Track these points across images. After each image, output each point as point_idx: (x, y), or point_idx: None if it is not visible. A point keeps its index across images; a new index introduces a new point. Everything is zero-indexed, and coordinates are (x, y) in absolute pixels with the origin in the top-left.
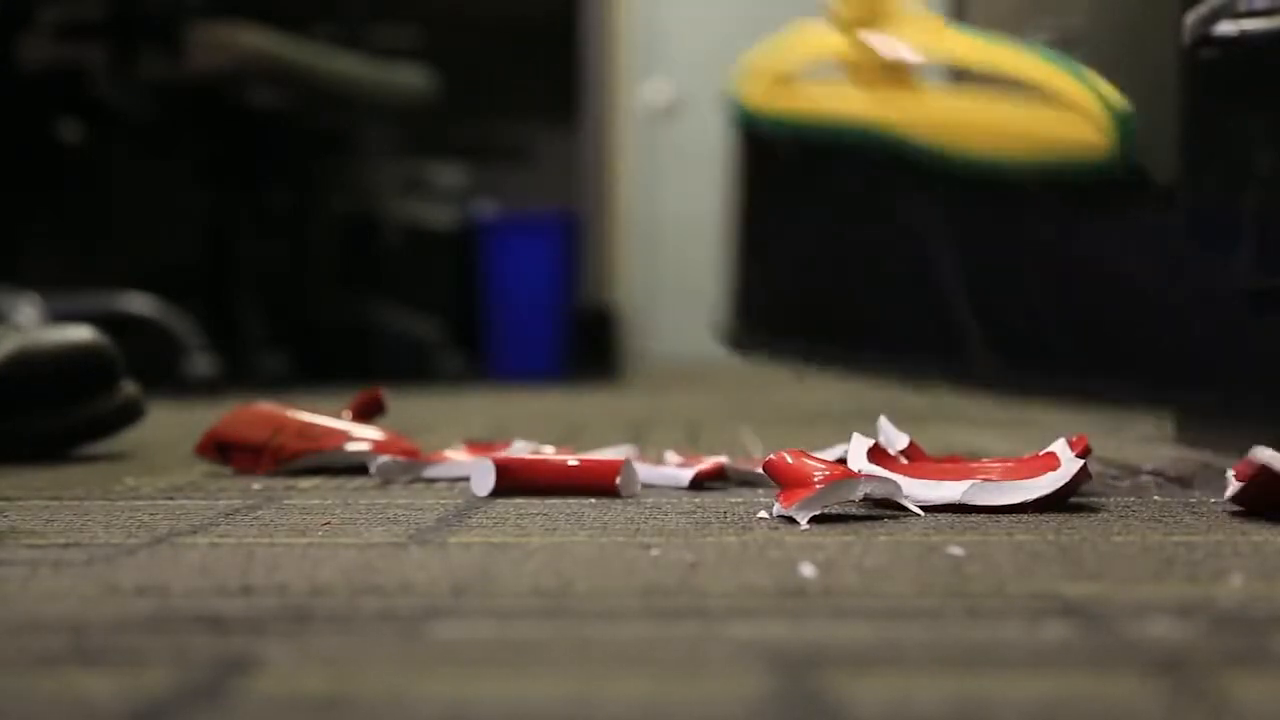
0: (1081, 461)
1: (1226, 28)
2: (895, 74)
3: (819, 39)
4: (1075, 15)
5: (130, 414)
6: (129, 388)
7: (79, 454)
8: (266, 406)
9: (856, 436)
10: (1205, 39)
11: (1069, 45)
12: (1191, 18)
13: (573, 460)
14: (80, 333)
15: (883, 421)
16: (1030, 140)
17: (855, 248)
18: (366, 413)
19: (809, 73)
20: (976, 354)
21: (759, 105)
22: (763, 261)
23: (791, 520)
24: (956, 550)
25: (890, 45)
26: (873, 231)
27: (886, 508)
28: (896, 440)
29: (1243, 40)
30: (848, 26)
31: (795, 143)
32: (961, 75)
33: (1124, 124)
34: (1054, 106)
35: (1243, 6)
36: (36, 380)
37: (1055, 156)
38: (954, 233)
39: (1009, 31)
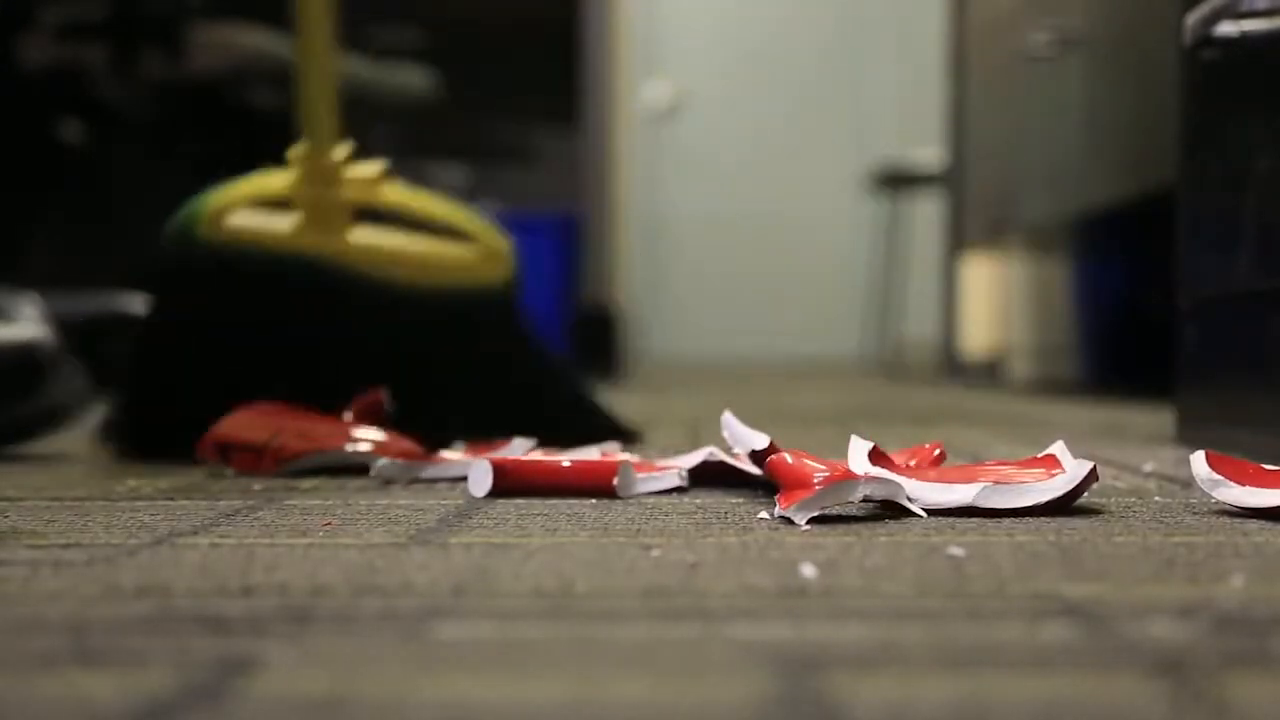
0: (1091, 464)
1: (1227, 28)
2: (339, 215)
3: (267, 182)
4: (1075, 15)
5: (52, 419)
6: (61, 391)
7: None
8: (267, 407)
9: (855, 439)
10: (1206, 40)
11: (1068, 46)
12: (1192, 19)
13: (567, 461)
14: (10, 331)
15: (728, 418)
16: (435, 267)
17: (250, 353)
18: (368, 415)
19: (262, 208)
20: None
21: (202, 234)
22: (168, 375)
23: (792, 521)
24: (957, 551)
25: (335, 192)
26: (295, 341)
27: (887, 508)
28: (752, 440)
29: (1243, 41)
30: (306, 173)
31: (232, 266)
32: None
33: (512, 259)
34: (464, 242)
35: (1243, 7)
36: None
37: (457, 281)
38: (336, 334)
39: (1009, 31)
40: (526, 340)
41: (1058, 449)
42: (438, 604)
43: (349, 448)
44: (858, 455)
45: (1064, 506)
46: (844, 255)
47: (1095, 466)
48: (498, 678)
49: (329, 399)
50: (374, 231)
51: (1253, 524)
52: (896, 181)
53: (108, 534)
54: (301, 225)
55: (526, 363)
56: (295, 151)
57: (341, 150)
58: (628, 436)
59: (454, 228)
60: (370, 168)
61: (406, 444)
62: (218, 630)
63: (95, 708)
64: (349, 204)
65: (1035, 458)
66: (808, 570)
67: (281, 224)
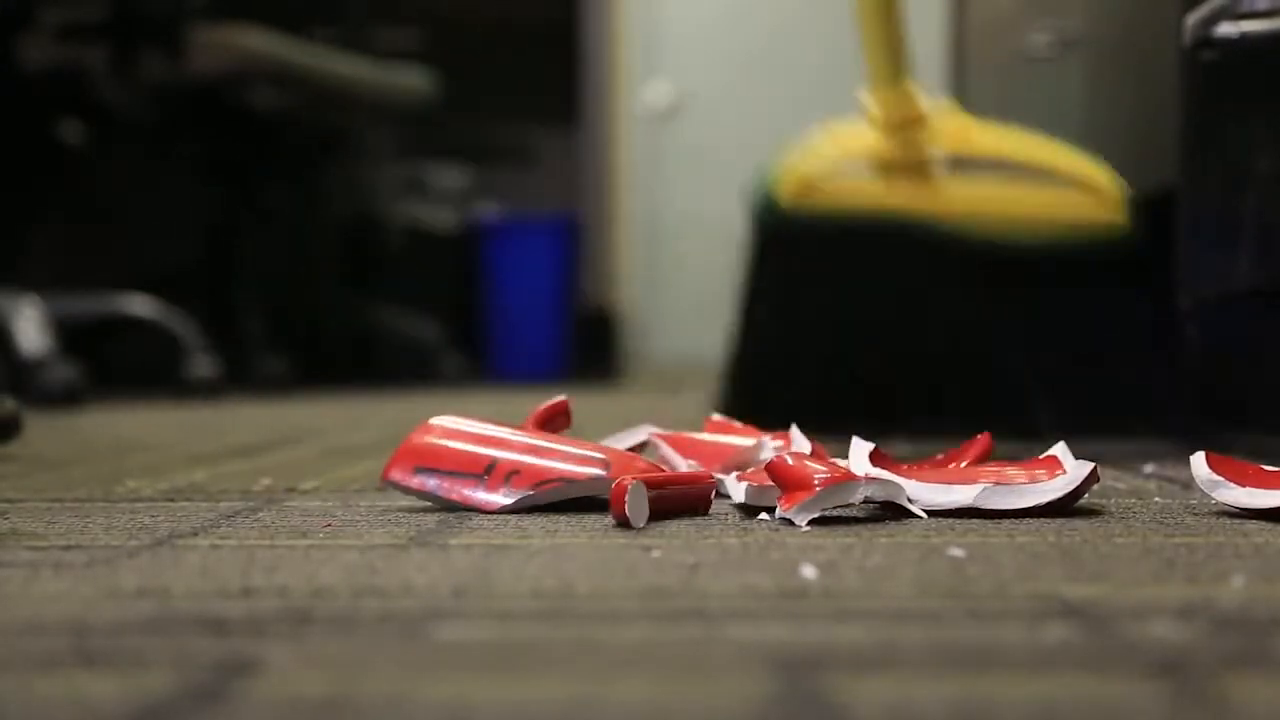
0: (1091, 465)
1: (1227, 29)
2: (923, 169)
3: (850, 139)
4: (1075, 16)
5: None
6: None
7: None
8: (457, 421)
9: (856, 440)
10: (1206, 41)
11: (1068, 47)
12: (1192, 20)
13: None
14: None
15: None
16: (1051, 221)
17: (888, 328)
18: (552, 427)
19: (840, 171)
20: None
21: (791, 204)
22: (785, 353)
23: (792, 522)
24: (957, 552)
25: (923, 144)
26: (903, 312)
27: (887, 510)
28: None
29: (1243, 42)
30: (883, 127)
31: (829, 237)
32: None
33: (1130, 203)
34: (1072, 190)
35: (1243, 8)
36: None
37: (1073, 235)
38: (980, 308)
39: (1009, 31)
40: (1155, 303)
41: (1059, 450)
42: (438, 605)
43: (592, 471)
44: (858, 456)
45: (1065, 508)
46: None
47: (1096, 467)
48: (498, 679)
49: (938, 374)
50: (968, 182)
51: (1253, 525)
52: None
53: (108, 535)
54: (897, 184)
55: (1153, 329)
56: (869, 100)
57: (918, 93)
58: None
59: (1056, 172)
60: (954, 112)
61: (642, 462)
62: (218, 631)
63: (95, 709)
64: (939, 156)
65: (1037, 459)
66: (808, 571)
67: (869, 184)
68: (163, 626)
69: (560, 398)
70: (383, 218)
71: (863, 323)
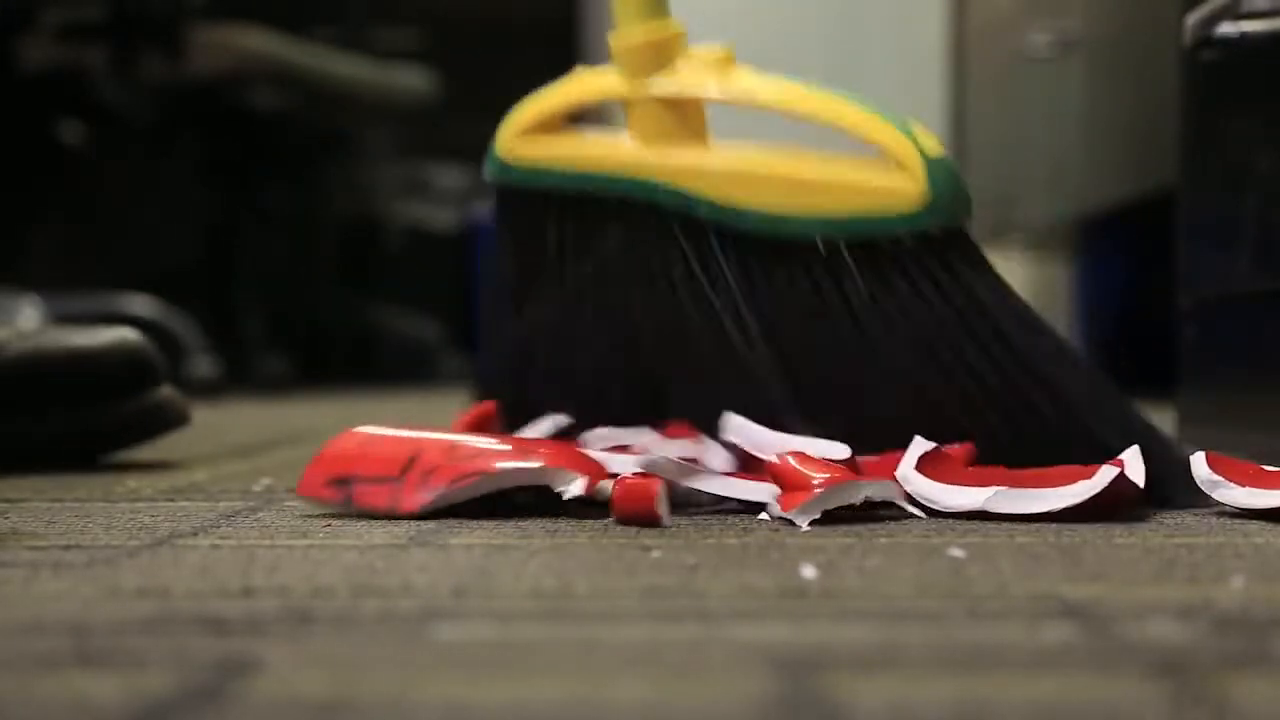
0: (1116, 470)
1: (1227, 29)
2: (679, 121)
3: (591, 82)
4: (1075, 17)
5: (160, 420)
6: (165, 393)
7: (108, 460)
8: (375, 429)
9: (918, 439)
10: (1206, 40)
11: (1068, 47)
12: (1192, 19)
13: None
14: (108, 334)
15: (737, 421)
16: (831, 194)
17: (609, 318)
18: (483, 432)
19: (582, 120)
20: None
21: (516, 155)
22: (517, 332)
23: (792, 522)
24: (958, 552)
25: (673, 86)
26: (634, 295)
27: (885, 509)
28: (770, 443)
29: (1243, 42)
30: (629, 66)
31: (551, 195)
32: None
33: (942, 172)
34: (860, 158)
35: (1243, 8)
36: (48, 382)
37: (858, 211)
38: (731, 294)
39: (1009, 31)
40: (975, 297)
41: (1128, 455)
42: (438, 605)
43: (522, 464)
44: (911, 457)
45: (1096, 514)
46: None
47: (1123, 472)
48: (498, 679)
49: (699, 381)
50: (736, 147)
51: (1253, 525)
52: None
53: (108, 535)
54: (640, 140)
55: (978, 332)
56: (613, 36)
57: (669, 26)
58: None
59: (846, 130)
60: (711, 50)
61: (578, 453)
62: (218, 631)
63: (95, 708)
64: (694, 104)
65: (1083, 465)
66: (808, 571)
67: (610, 142)
68: (163, 626)
69: (489, 402)
70: (383, 218)
71: (570, 302)
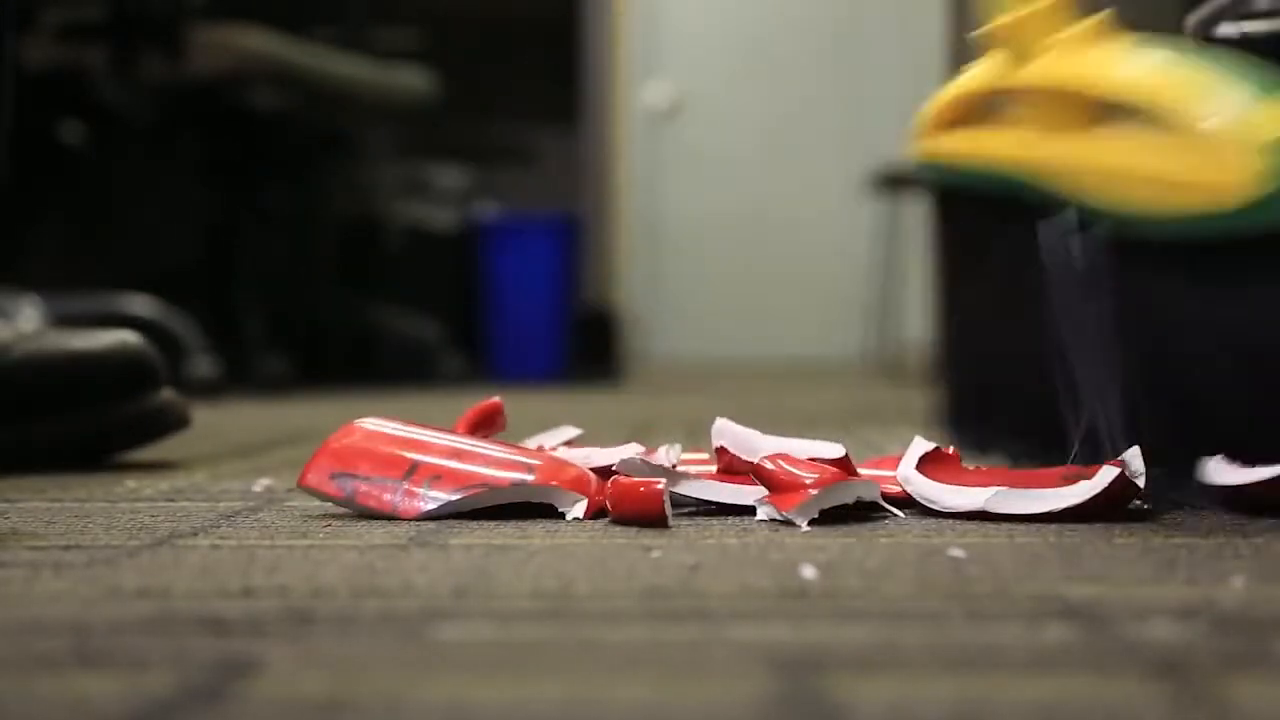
0: (1116, 470)
1: (1228, 29)
2: (1067, 108)
3: (980, 75)
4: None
5: (160, 423)
6: (165, 396)
7: (109, 460)
8: (379, 422)
9: (918, 439)
10: (1206, 41)
11: None
12: (1193, 19)
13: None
14: (109, 337)
15: (723, 424)
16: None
17: (1021, 324)
18: (485, 430)
19: (986, 113)
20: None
21: (934, 154)
22: (964, 334)
23: (790, 522)
24: (958, 552)
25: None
26: (1035, 301)
27: (875, 509)
28: (756, 445)
29: (1244, 42)
30: (1009, 53)
31: (965, 193)
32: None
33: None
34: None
35: (1244, 8)
36: (49, 385)
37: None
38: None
39: None
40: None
41: (1129, 455)
42: (438, 605)
43: (525, 477)
44: (912, 456)
45: (1096, 514)
46: (844, 257)
47: (1124, 472)
48: (498, 679)
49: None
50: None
51: (1253, 525)
52: (897, 183)
53: (108, 535)
54: (1027, 135)
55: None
56: (994, 26)
57: (1064, 10)
58: None
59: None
60: (1104, 28)
61: (572, 468)
62: (218, 632)
63: (95, 709)
64: (1081, 93)
65: (1079, 466)
66: (808, 571)
67: (1004, 134)
68: (163, 626)
69: (494, 399)
70: (383, 218)
71: (995, 310)
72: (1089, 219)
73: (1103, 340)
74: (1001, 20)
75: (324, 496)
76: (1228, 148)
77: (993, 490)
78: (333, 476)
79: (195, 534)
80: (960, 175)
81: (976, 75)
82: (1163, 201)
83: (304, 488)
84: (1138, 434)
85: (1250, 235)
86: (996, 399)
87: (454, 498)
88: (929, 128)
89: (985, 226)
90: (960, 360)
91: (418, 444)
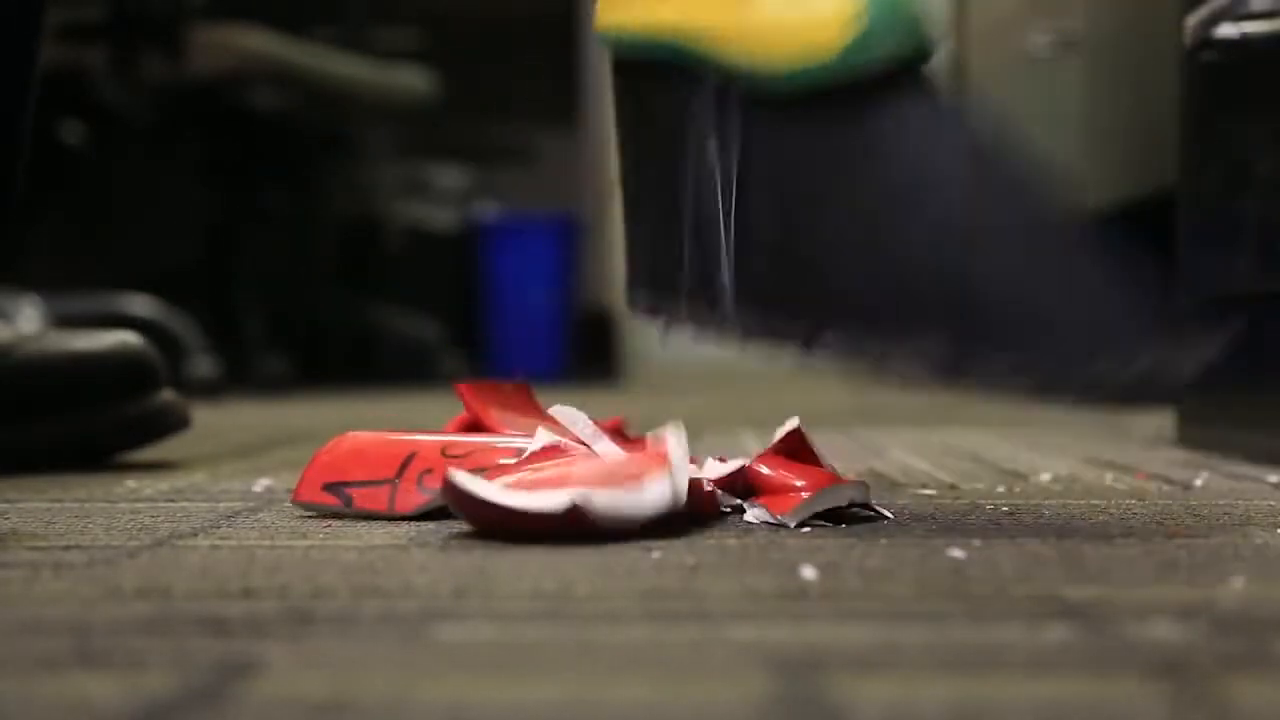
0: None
1: (1227, 30)
2: None
3: None
4: (1075, 17)
5: (161, 424)
6: (165, 397)
7: (109, 461)
8: (368, 434)
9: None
10: (1206, 41)
11: (1068, 48)
12: (1192, 20)
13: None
14: (109, 338)
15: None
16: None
17: (684, 186)
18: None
19: None
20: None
21: (611, 21)
22: (644, 212)
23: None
24: (957, 553)
25: None
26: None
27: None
28: (578, 421)
29: (1243, 43)
30: None
31: (632, 63)
32: None
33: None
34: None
35: (1243, 9)
36: (49, 386)
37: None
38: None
39: (1009, 31)
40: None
41: (672, 437)
42: (438, 606)
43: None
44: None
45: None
46: None
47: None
48: (498, 679)
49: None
50: None
51: (1253, 526)
52: None
53: (108, 536)
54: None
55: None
56: None
57: None
58: None
59: None
60: None
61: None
62: (218, 632)
63: (95, 710)
64: None
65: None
66: (808, 572)
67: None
68: (163, 627)
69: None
70: (383, 218)
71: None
72: (729, 80)
73: (728, 199)
74: None
75: (320, 508)
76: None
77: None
78: (326, 487)
79: (195, 534)
80: (632, 45)
81: None
82: (781, 55)
83: (299, 503)
84: (763, 301)
85: (846, 81)
86: (664, 265)
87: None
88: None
89: (652, 95)
90: (636, 231)
91: (406, 445)
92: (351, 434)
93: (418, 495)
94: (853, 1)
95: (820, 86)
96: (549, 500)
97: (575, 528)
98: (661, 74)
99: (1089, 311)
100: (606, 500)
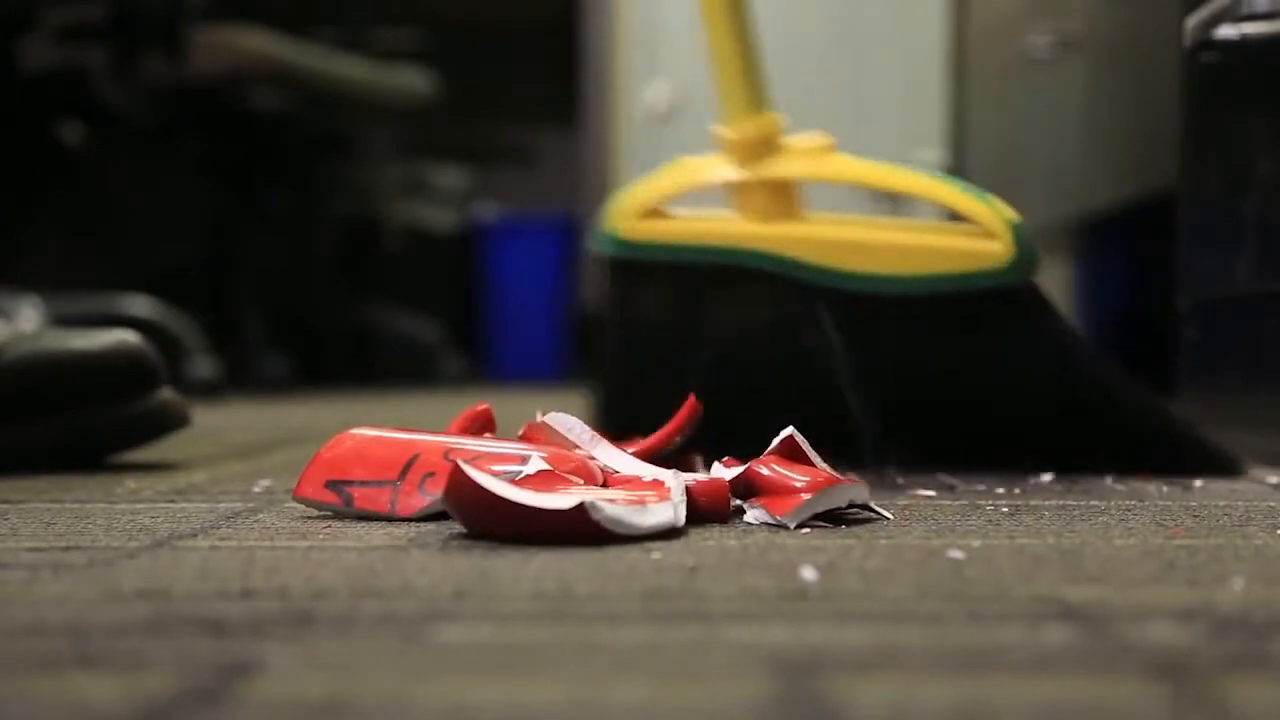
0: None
1: (1227, 31)
2: (782, 200)
3: (699, 168)
4: (1075, 18)
5: (160, 423)
6: (165, 395)
7: (109, 461)
8: (371, 430)
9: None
10: (1206, 42)
11: (1069, 48)
12: (1192, 22)
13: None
14: (108, 337)
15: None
16: (928, 256)
17: (748, 371)
18: (476, 434)
19: (689, 201)
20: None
21: (633, 234)
22: (643, 390)
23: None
24: (957, 554)
25: (785, 169)
26: (764, 353)
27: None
28: (576, 427)
29: (1243, 44)
30: (737, 154)
31: (667, 268)
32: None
33: (1021, 233)
34: (950, 226)
35: (1243, 10)
36: (48, 385)
37: (955, 270)
38: (850, 349)
39: (1009, 32)
40: (1055, 342)
41: (669, 475)
42: (438, 607)
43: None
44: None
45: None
46: None
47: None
48: (498, 680)
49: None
50: (837, 219)
51: (1253, 527)
52: None
53: (108, 536)
54: (748, 215)
55: (1057, 370)
56: (723, 129)
57: (775, 120)
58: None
59: (935, 201)
60: (813, 139)
61: (574, 458)
62: (218, 633)
63: (95, 710)
64: (793, 183)
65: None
66: (808, 573)
67: (719, 218)
68: (162, 628)
69: (482, 405)
70: (383, 218)
71: (706, 355)
72: (819, 281)
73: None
74: (742, 130)
75: (321, 505)
76: (995, 227)
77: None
78: (328, 485)
79: (195, 535)
80: (668, 251)
81: (702, 170)
82: (941, 265)
83: (300, 499)
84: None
85: (1006, 287)
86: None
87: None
88: (642, 212)
89: (697, 292)
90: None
91: (410, 444)
92: (354, 431)
93: (419, 499)
94: (1006, 230)
95: (987, 290)
96: (557, 500)
97: (580, 531)
98: (719, 278)
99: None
100: (613, 510)
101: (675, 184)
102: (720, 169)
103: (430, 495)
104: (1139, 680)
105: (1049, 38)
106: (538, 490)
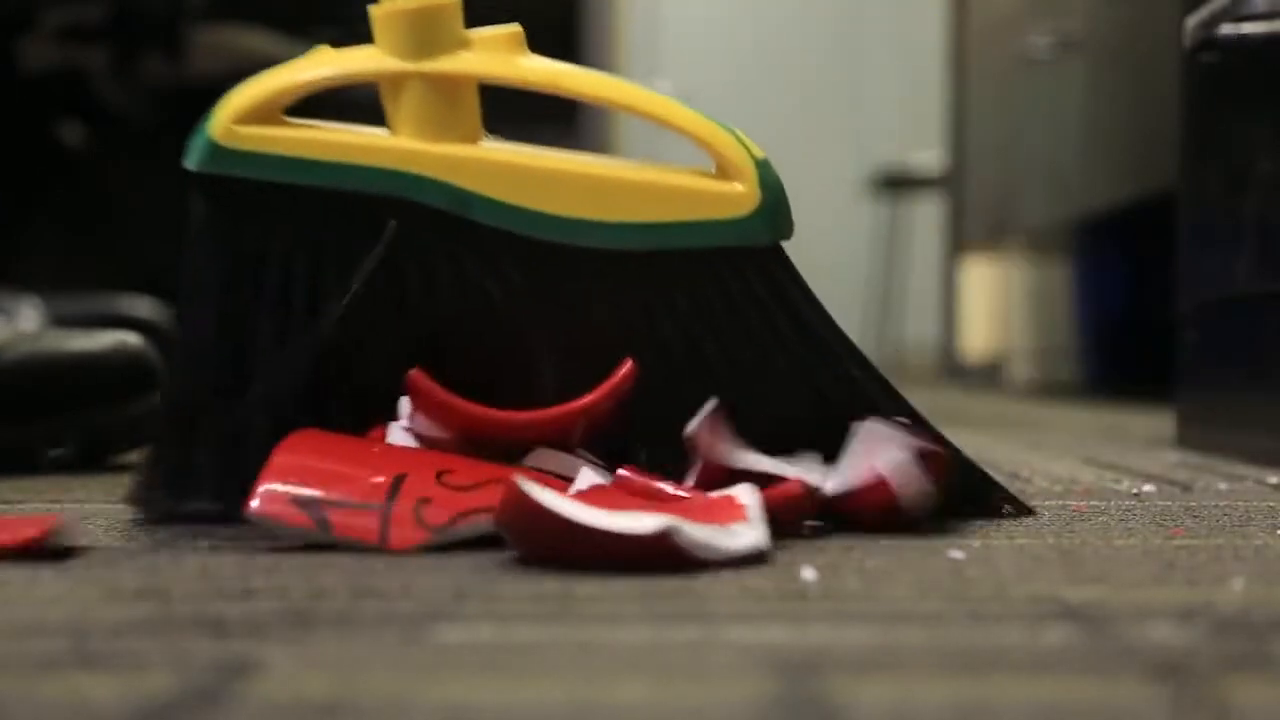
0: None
1: (1227, 31)
2: (455, 111)
3: (343, 59)
4: (1075, 19)
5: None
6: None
7: (109, 461)
8: (333, 435)
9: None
10: (1206, 42)
11: (1068, 49)
12: (1192, 22)
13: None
14: (108, 338)
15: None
16: (650, 198)
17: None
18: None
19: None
20: None
21: (235, 140)
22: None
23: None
24: (957, 554)
25: (453, 64)
26: (415, 313)
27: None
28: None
29: (1243, 44)
30: (397, 39)
31: (292, 192)
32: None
33: (769, 177)
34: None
35: (1243, 10)
36: (48, 386)
37: (679, 218)
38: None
39: (1009, 33)
40: (797, 316)
41: (744, 491)
42: (438, 607)
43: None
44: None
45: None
46: (844, 258)
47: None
48: (498, 681)
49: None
50: (525, 147)
51: (1253, 527)
52: (897, 184)
53: (108, 536)
54: (406, 129)
55: (796, 352)
56: (378, 8)
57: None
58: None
59: (660, 121)
60: (504, 29)
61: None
62: (217, 633)
63: (95, 711)
64: (470, 87)
65: (717, 497)
66: (808, 573)
67: (367, 131)
68: (162, 628)
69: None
70: None
71: (332, 318)
72: (499, 222)
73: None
74: (396, 2)
75: (285, 526)
76: (739, 159)
77: (667, 520)
78: (296, 502)
79: (194, 535)
80: (285, 166)
81: (342, 60)
82: (681, 211)
83: (261, 518)
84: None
85: (746, 247)
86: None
87: (449, 528)
88: (251, 113)
89: (324, 229)
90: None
91: (389, 456)
92: (310, 430)
93: (416, 531)
94: (749, 168)
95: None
96: (636, 522)
97: (660, 556)
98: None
99: None
100: (696, 533)
101: (305, 78)
102: (371, 60)
103: (432, 528)
104: (1139, 681)
105: (1049, 38)
106: (608, 510)
